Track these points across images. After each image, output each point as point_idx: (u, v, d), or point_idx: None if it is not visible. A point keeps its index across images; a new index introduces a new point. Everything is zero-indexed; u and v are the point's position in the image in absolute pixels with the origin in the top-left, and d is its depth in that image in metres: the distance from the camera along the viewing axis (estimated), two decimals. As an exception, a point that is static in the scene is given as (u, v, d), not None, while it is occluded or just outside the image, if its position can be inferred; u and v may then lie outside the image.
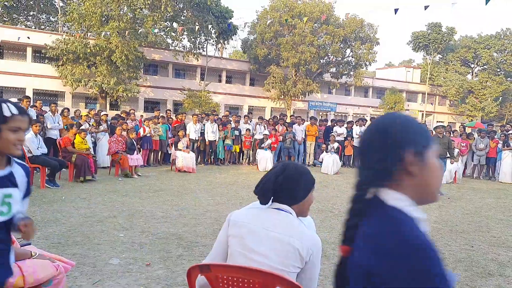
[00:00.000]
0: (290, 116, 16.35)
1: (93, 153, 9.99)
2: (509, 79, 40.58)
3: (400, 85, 42.03)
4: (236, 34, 29.53)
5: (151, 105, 29.43)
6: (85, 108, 25.56)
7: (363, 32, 30.44)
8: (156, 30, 24.05)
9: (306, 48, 27.90)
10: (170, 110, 15.02)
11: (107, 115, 12.55)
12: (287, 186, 1.85)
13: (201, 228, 5.50)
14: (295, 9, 28.73)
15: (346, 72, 32.08)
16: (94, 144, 11.20)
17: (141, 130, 11.92)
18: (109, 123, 12.01)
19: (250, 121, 14.56)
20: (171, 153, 12.06)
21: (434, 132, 9.92)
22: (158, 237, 4.96)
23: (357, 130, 14.65)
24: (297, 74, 30.01)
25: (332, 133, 13.93)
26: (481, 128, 16.08)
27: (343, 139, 14.44)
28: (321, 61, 30.86)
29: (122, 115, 13.15)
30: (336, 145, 13.37)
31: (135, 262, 4.09)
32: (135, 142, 10.72)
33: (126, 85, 23.97)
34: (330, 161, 12.49)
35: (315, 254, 1.79)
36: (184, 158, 11.26)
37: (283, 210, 1.86)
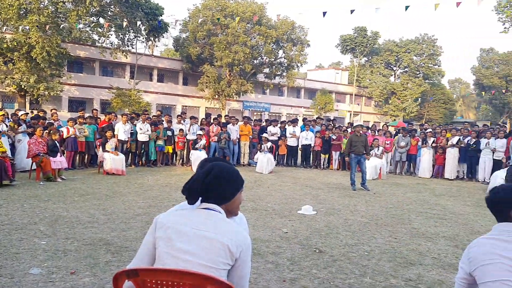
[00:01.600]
0: (225, 116, 16.33)
1: (10, 155, 9.22)
2: (427, 81, 43.86)
3: (330, 87, 43.81)
4: (167, 32, 28.92)
5: (76, 104, 27.92)
6: (1, 108, 23.57)
7: (295, 34, 31.29)
8: (80, 26, 22.83)
9: (239, 48, 28.06)
10: (97, 110, 14.32)
11: (27, 114, 11.66)
12: (215, 186, 1.86)
13: (131, 232, 5.29)
14: (227, 9, 28.80)
15: (279, 73, 32.76)
16: (13, 146, 10.35)
17: (64, 131, 11.23)
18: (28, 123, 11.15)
19: (184, 121, 14.32)
20: (98, 155, 11.48)
21: (353, 131, 10.55)
22: (84, 243, 4.68)
23: (290, 130, 14.99)
24: (231, 74, 30.10)
25: (263, 135, 14.09)
26: (403, 127, 17.18)
27: (277, 138, 14.70)
28: (255, 61, 31.25)
29: (39, 114, 12.22)
30: (269, 144, 13.57)
31: (59, 270, 3.83)
32: (58, 144, 10.06)
33: (48, 83, 22.42)
34: (265, 160, 12.65)
35: (245, 250, 1.79)
36: (113, 160, 10.78)
37: (212, 210, 1.85)
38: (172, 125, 13.86)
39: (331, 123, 15.88)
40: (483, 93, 43.26)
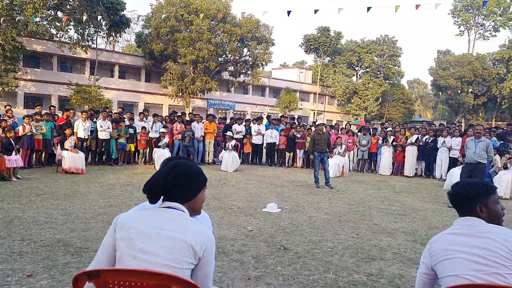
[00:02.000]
0: (189, 114, 16.14)
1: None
2: (387, 81, 45.18)
3: (294, 85, 44.25)
4: (129, 27, 28.25)
5: (33, 100, 26.78)
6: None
7: (259, 32, 31.36)
8: (37, 19, 21.87)
9: (203, 45, 27.83)
10: (55, 106, 13.79)
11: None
12: (177, 184, 1.83)
13: (92, 232, 5.13)
14: (191, 5, 28.49)
15: (243, 71, 32.74)
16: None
17: (20, 128, 10.74)
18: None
19: (146, 119, 14.03)
20: (56, 153, 11.05)
21: (316, 129, 10.74)
22: (42, 245, 4.49)
23: (255, 128, 15.02)
24: (195, 71, 29.80)
25: (228, 133, 14.05)
26: (363, 126, 17.61)
27: (242, 137, 14.69)
28: (219, 59, 31.08)
29: None
30: (234, 142, 13.54)
31: (14, 273, 3.66)
32: (13, 142, 9.60)
33: (2, 79, 21.38)
34: (230, 158, 12.61)
35: (209, 250, 1.78)
36: (72, 158, 10.42)
37: (174, 209, 1.82)
38: (134, 123, 13.56)
39: (295, 121, 16.05)
40: (440, 93, 45.08)
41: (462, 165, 11.41)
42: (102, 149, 12.59)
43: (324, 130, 10.86)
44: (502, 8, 45.47)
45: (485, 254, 1.89)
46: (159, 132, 12.87)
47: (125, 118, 13.38)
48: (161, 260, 1.69)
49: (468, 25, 49.07)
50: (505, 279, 1.84)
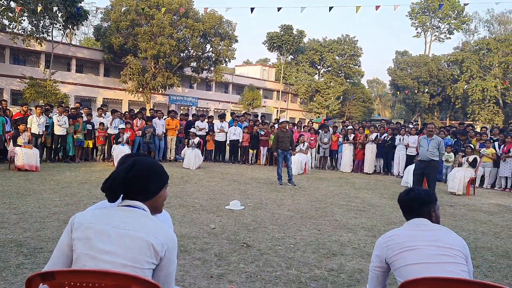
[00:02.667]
0: (150, 110, 15.80)
1: None
2: (348, 80, 46.19)
3: (257, 83, 44.35)
4: (87, 20, 27.27)
5: (-17, 94, 25.36)
6: None
7: (222, 29, 31.16)
8: (-12, 9, 20.66)
9: (165, 40, 27.32)
10: (6, 101, 13.12)
11: None
12: (138, 182, 1.77)
13: (47, 232, 4.92)
14: (153, -1, 27.87)
15: (206, 67, 32.44)
16: None
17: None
18: None
19: (105, 114, 13.61)
20: (9, 150, 10.51)
21: (279, 127, 10.84)
22: (-9, 247, 4.26)
23: (218, 125, 14.91)
24: (157, 67, 29.23)
25: (191, 130, 13.90)
26: (322, 124, 17.91)
27: (205, 133, 14.56)
28: (182, 54, 30.63)
29: None
30: (197, 139, 13.40)
31: (-41, 279, 3.44)
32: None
33: (-51, 70, 20.10)
34: (192, 156, 12.45)
35: (171, 249, 1.74)
36: (26, 155, 9.95)
37: (134, 207, 1.77)
38: (93, 118, 13.13)
39: (259, 119, 16.08)
40: (398, 93, 46.64)
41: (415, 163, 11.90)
42: (58, 146, 12.11)
43: (287, 128, 10.92)
44: (456, 11, 47.60)
45: (442, 245, 2.15)
46: (118, 128, 12.53)
47: (82, 114, 12.92)
48: (121, 260, 1.64)
49: (424, 27, 51.03)
50: (461, 268, 2.10)
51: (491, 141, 12.69)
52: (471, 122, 32.98)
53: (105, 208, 1.81)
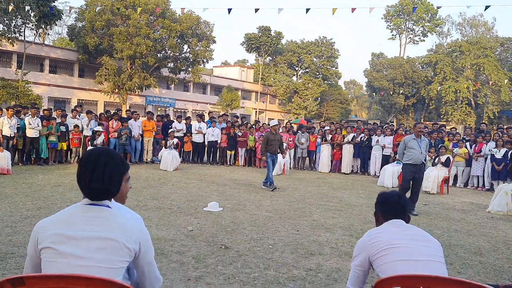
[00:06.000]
0: (126, 111, 15.54)
1: None
2: (326, 81, 46.61)
3: (236, 84, 44.27)
4: (60, 20, 26.61)
5: (-49, 95, 24.39)
6: None
7: (200, 29, 30.96)
8: (-44, 7, 19.93)
9: (141, 41, 26.95)
10: (-23, 102, 12.67)
11: None
12: (100, 184, 1.71)
13: (19, 237, 4.78)
14: (128, -1, 27.47)
15: (184, 68, 32.17)
16: None
17: None
18: None
19: (79, 116, 13.31)
20: (-22, 153, 10.16)
21: (269, 128, 10.58)
22: (-42, 254, 4.09)
23: (196, 126, 14.80)
24: (133, 67, 28.81)
25: (171, 129, 13.75)
26: (301, 125, 18.01)
27: (183, 135, 14.42)
28: (158, 55, 30.27)
29: None
30: (175, 140, 13.26)
31: None
32: None
33: None
34: (169, 157, 12.31)
35: (144, 241, 1.75)
36: (-4, 157, 9.63)
37: (99, 205, 1.73)
38: (67, 120, 12.82)
39: (237, 120, 16.02)
40: (374, 94, 47.34)
41: (394, 162, 12.09)
42: (31, 148, 11.78)
43: (277, 131, 10.37)
44: (430, 14, 48.70)
45: (425, 245, 2.28)
46: (93, 130, 12.28)
47: (55, 117, 12.59)
48: (92, 262, 1.61)
49: (399, 29, 51.99)
50: (443, 266, 2.23)
51: (463, 141, 13.02)
52: (445, 123, 33.79)
53: (69, 211, 1.76)
